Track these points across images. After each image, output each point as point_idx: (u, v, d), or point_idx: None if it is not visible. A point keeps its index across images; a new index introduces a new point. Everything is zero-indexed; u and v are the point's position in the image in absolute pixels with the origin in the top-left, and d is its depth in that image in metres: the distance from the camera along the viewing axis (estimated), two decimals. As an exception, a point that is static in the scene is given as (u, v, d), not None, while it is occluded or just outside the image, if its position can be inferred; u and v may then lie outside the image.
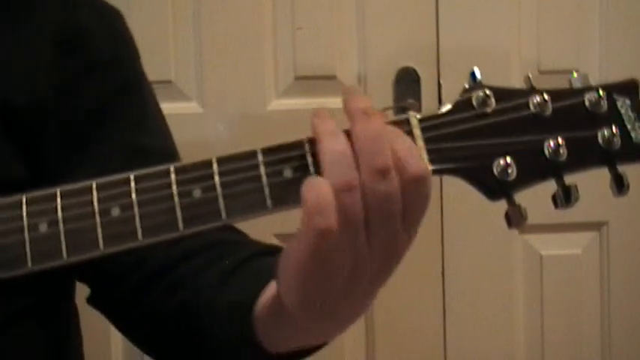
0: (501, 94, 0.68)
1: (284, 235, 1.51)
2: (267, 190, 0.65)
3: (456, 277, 1.90)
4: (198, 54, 1.83)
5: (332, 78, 1.84)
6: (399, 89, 1.83)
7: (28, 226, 0.66)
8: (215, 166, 0.66)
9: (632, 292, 1.92)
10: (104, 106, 0.91)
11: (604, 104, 0.69)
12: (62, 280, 0.93)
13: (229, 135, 1.83)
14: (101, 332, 1.80)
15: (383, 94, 1.83)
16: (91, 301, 0.95)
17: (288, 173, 0.66)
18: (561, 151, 0.67)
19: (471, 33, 1.85)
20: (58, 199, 0.66)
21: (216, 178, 0.65)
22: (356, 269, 0.65)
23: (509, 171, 0.67)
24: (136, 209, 0.65)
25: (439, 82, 1.84)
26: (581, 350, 1.93)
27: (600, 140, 0.68)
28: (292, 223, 0.65)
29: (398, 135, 0.65)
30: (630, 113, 0.69)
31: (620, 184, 0.68)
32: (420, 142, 0.67)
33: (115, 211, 0.66)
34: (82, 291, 0.96)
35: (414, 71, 1.84)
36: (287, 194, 0.65)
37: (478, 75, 0.68)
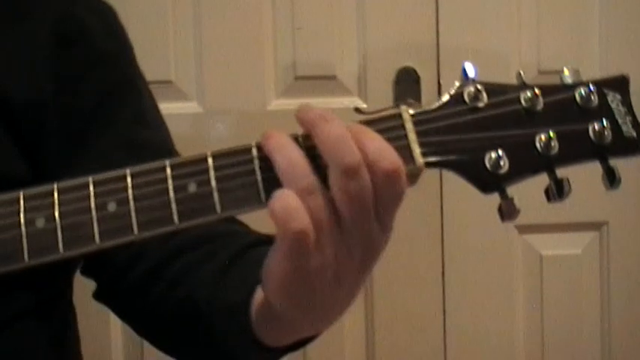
0: (493, 89, 0.69)
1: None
2: (261, 184, 0.66)
3: (456, 277, 1.90)
4: (198, 54, 1.84)
5: (332, 78, 1.85)
6: (399, 89, 1.84)
7: (26, 221, 0.66)
8: (210, 161, 0.66)
9: (632, 292, 1.92)
10: (103, 101, 0.91)
11: (595, 99, 0.69)
12: (60, 280, 0.93)
13: (229, 135, 1.83)
14: (101, 332, 1.81)
15: (383, 94, 1.83)
16: (97, 295, 0.96)
17: None
18: (552, 144, 0.67)
19: (471, 33, 1.85)
20: (55, 195, 0.67)
21: (211, 173, 0.66)
22: (336, 268, 0.66)
23: (501, 164, 0.67)
24: (131, 204, 0.66)
25: (439, 82, 1.84)
26: (581, 350, 1.93)
27: (591, 134, 0.69)
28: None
29: (366, 133, 0.66)
30: (621, 107, 0.70)
31: (611, 178, 0.68)
32: (412, 136, 0.67)
33: (112, 206, 0.66)
34: (81, 291, 0.97)
35: (414, 71, 1.84)
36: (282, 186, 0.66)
37: (470, 70, 0.69)
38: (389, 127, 0.67)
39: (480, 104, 0.68)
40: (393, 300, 1.89)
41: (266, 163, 0.66)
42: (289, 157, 0.65)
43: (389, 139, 0.66)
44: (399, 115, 0.68)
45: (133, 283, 0.90)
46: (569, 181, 0.68)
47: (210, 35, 1.83)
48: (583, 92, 0.69)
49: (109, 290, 0.94)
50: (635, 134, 0.70)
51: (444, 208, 1.87)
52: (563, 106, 0.69)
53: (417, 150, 0.67)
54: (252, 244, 0.85)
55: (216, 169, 0.66)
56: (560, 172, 0.68)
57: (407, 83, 1.83)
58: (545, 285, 1.91)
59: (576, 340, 1.92)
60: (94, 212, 0.66)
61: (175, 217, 0.66)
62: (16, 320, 0.86)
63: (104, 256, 0.70)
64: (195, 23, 1.83)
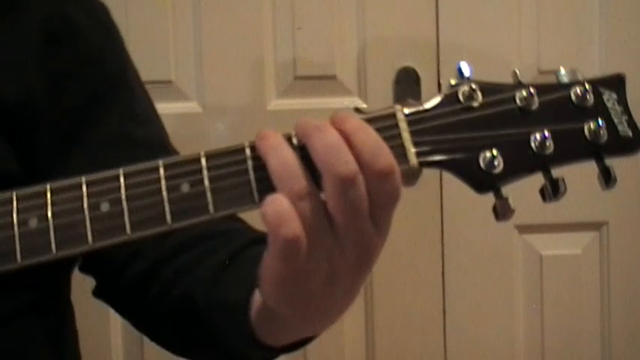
0: (488, 88, 0.69)
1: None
2: (254, 184, 0.66)
3: (456, 277, 1.90)
4: (198, 54, 1.83)
5: (332, 78, 1.85)
6: (399, 89, 1.83)
7: (18, 221, 0.66)
8: (203, 161, 0.66)
9: (632, 292, 1.92)
10: (94, 99, 0.91)
11: (590, 98, 0.69)
12: (57, 278, 0.93)
13: (229, 135, 1.83)
14: (101, 330, 1.82)
15: (383, 94, 1.83)
16: (96, 292, 0.96)
17: None
18: (547, 144, 0.67)
19: (471, 33, 1.85)
20: (48, 195, 0.66)
21: (205, 173, 0.66)
22: (330, 270, 0.66)
23: (496, 163, 0.67)
24: (124, 204, 0.66)
25: (439, 82, 1.84)
26: (581, 350, 1.92)
27: (587, 133, 0.68)
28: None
29: (361, 130, 0.65)
30: (616, 107, 0.69)
31: (607, 177, 0.68)
32: (406, 136, 0.67)
33: (105, 206, 0.66)
34: (81, 289, 0.97)
35: (414, 71, 1.84)
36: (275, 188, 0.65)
37: (465, 69, 0.69)
38: (383, 126, 0.66)
39: (475, 104, 0.68)
40: (393, 300, 1.88)
41: (259, 162, 0.65)
42: (282, 160, 0.64)
43: (383, 139, 0.65)
44: (393, 115, 0.67)
45: (132, 281, 0.91)
46: (564, 181, 0.67)
47: (210, 35, 1.83)
48: (579, 91, 0.69)
49: (108, 288, 0.95)
50: (630, 133, 0.69)
51: (444, 208, 1.87)
52: (558, 105, 0.69)
53: (410, 150, 0.66)
54: (252, 241, 0.85)
55: (209, 168, 0.66)
56: (558, 171, 0.68)
57: (407, 83, 1.83)
58: (545, 285, 1.91)
59: (576, 340, 1.92)
60: (86, 212, 0.66)
61: (168, 218, 0.65)
62: (13, 318, 0.86)
63: (102, 253, 0.70)
64: (195, 23, 1.83)
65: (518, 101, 0.68)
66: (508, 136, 0.68)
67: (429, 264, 1.89)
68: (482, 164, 0.67)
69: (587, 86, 0.69)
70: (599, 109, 0.69)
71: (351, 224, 0.64)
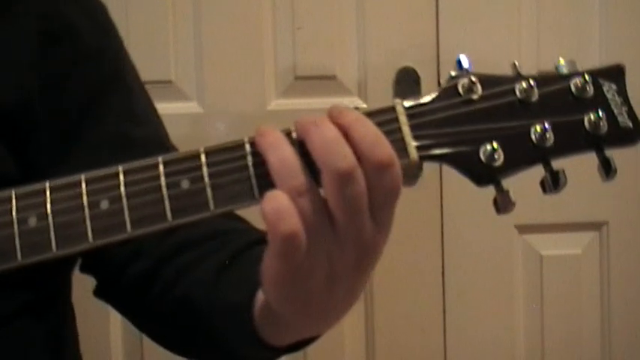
0: (487, 80, 0.68)
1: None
2: (254, 180, 0.65)
3: (456, 277, 1.90)
4: (198, 54, 1.83)
5: (332, 78, 1.85)
6: (399, 89, 1.83)
7: (18, 220, 0.66)
8: (203, 157, 0.66)
9: (632, 292, 1.92)
10: (92, 98, 0.91)
11: (590, 89, 0.69)
12: (57, 278, 0.93)
13: (229, 135, 1.82)
14: (101, 330, 1.82)
15: (383, 94, 1.83)
16: (96, 292, 0.96)
17: None
18: (548, 136, 0.67)
19: (471, 33, 1.85)
20: (47, 193, 0.66)
21: (204, 169, 0.66)
22: (329, 268, 0.65)
23: (496, 156, 0.66)
24: (124, 201, 0.65)
25: (439, 82, 1.83)
26: (581, 350, 1.92)
27: (587, 124, 0.68)
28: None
29: (359, 123, 0.65)
30: (616, 98, 0.69)
31: (607, 169, 0.67)
32: (406, 129, 0.66)
33: (104, 204, 0.66)
34: (81, 289, 0.97)
35: (414, 71, 1.84)
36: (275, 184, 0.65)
37: (464, 62, 0.68)
38: (382, 120, 0.66)
39: (474, 96, 0.68)
40: (393, 300, 1.88)
41: (259, 158, 0.65)
42: (281, 156, 0.64)
43: (382, 133, 0.64)
44: (393, 109, 0.67)
45: (133, 280, 0.90)
46: (564, 173, 0.67)
47: (210, 35, 1.83)
48: (578, 82, 0.69)
49: (109, 287, 0.94)
50: (631, 124, 0.69)
51: (444, 208, 1.86)
52: (558, 97, 0.68)
53: (410, 143, 0.66)
54: (254, 242, 0.85)
55: (209, 165, 0.66)
56: (557, 164, 0.67)
57: (407, 83, 1.83)
58: (545, 285, 1.91)
59: (576, 340, 1.92)
60: (86, 210, 0.65)
61: (168, 214, 0.65)
62: (13, 318, 0.86)
63: (103, 253, 0.70)
64: (195, 23, 1.83)
65: (518, 93, 0.68)
66: (508, 129, 0.67)
67: (429, 264, 1.89)
68: (482, 157, 0.67)
69: (586, 77, 0.69)
70: (599, 100, 0.69)
71: (350, 221, 0.64)
